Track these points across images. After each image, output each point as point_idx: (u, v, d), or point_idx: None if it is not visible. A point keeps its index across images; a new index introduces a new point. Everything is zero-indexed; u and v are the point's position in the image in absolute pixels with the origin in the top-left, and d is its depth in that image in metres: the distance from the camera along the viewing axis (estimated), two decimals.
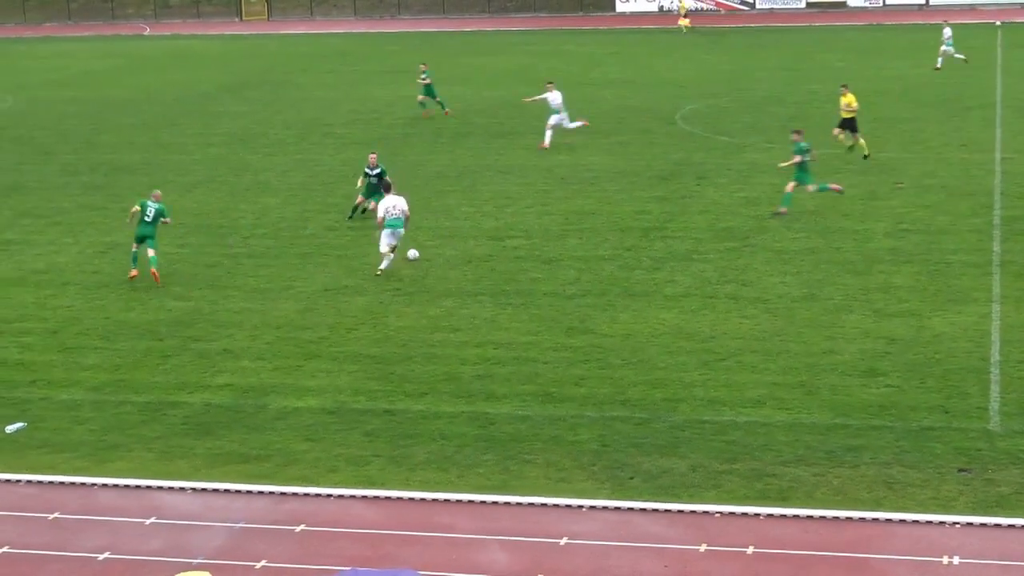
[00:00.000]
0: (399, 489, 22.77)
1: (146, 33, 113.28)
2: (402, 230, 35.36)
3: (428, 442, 24.62)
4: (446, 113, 60.36)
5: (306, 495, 22.76)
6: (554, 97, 52.55)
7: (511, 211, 41.77)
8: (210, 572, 16.16)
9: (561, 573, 19.90)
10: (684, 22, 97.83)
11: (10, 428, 25.81)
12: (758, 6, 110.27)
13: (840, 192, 41.11)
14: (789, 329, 30.01)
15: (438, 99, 61.00)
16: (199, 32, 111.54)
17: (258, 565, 20.38)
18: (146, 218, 35.40)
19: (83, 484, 23.46)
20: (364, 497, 22.58)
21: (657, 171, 47.09)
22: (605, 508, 21.85)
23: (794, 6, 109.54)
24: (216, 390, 27.55)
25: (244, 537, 21.35)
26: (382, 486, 22.92)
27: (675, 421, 25.14)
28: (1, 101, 70.45)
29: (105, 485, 23.39)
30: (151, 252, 35.06)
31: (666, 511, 21.67)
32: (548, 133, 51.95)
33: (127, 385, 27.99)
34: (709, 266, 35.04)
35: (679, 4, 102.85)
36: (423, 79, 60.91)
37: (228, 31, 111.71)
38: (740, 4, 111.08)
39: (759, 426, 24.76)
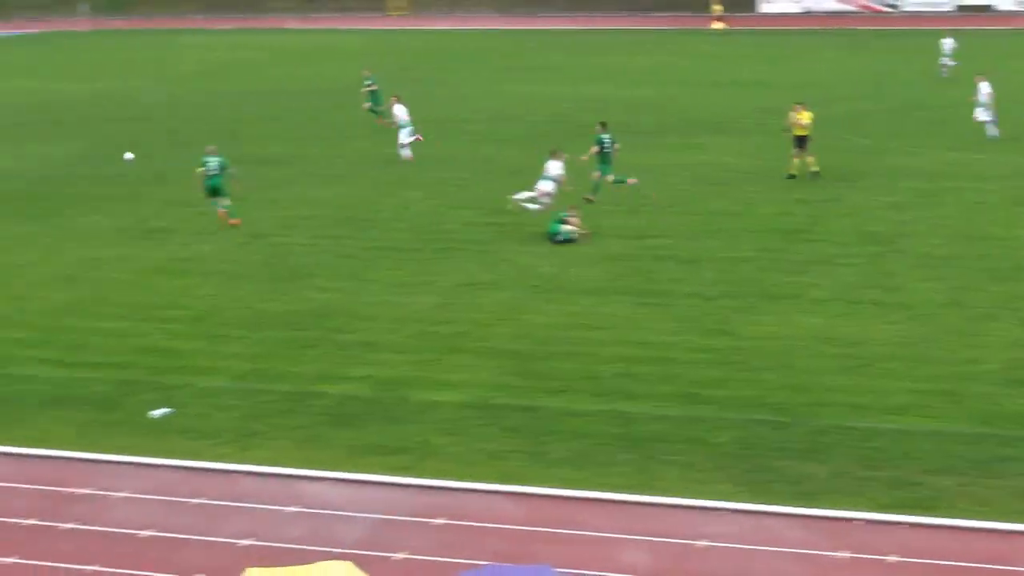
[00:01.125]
0: (537, 485, 22.77)
1: (291, 27, 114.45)
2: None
3: (567, 439, 24.60)
4: (379, 122, 58.99)
5: (446, 488, 22.83)
6: (399, 111, 52.08)
7: (651, 210, 41.60)
8: (351, 562, 16.27)
9: (699, 575, 19.83)
10: (718, 25, 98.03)
11: (156, 413, 26.19)
12: (904, 9, 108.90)
13: (635, 184, 43.11)
14: (934, 336, 29.59)
15: (381, 108, 59.39)
16: (343, 27, 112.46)
17: (398, 556, 20.50)
18: (211, 172, 40.11)
19: (226, 471, 23.73)
20: (503, 492, 22.60)
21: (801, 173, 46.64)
22: (744, 511, 21.69)
23: (942, 9, 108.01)
24: (356, 382, 27.73)
25: (384, 528, 21.48)
26: (521, 482, 22.92)
27: (817, 426, 24.89)
28: (154, 94, 71.40)
29: (248, 472, 23.64)
30: (226, 202, 38.75)
31: (806, 516, 21.45)
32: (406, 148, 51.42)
33: (269, 374, 28.28)
34: (853, 270, 34.66)
35: (712, 7, 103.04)
36: (368, 86, 60.25)
37: (371, 26, 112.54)
38: (885, 7, 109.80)
39: (902, 433, 24.44)
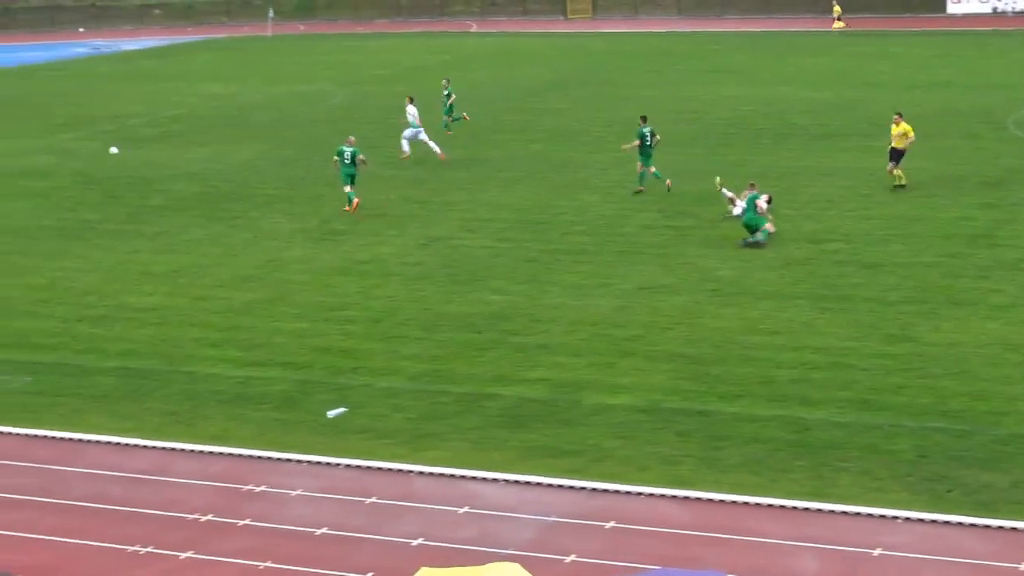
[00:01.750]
0: (710, 491, 22.60)
1: (472, 30, 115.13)
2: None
3: (740, 445, 24.38)
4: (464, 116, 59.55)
5: (617, 492, 22.76)
6: (411, 111, 52.93)
7: (832, 214, 41.11)
8: (520, 564, 16.28)
9: None
10: (838, 24, 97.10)
11: (332, 413, 26.48)
12: None
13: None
14: None
15: (452, 117, 59.85)
16: (524, 30, 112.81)
17: (567, 559, 20.48)
18: (346, 161, 43.00)
19: (400, 471, 23.91)
20: (674, 497, 22.48)
21: (985, 177, 45.72)
22: (921, 520, 21.31)
23: None
24: (531, 384, 27.77)
25: (554, 531, 21.48)
26: (693, 487, 22.78)
27: (998, 435, 24.35)
28: (337, 97, 72.24)
29: (421, 472, 23.79)
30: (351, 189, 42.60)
31: (985, 527, 21.00)
32: (404, 143, 52.68)
33: (445, 375, 28.44)
34: None
35: (833, 7, 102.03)
36: (448, 97, 60.08)
37: (553, 29, 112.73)
38: None
39: None
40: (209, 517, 22.20)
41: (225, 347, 30.69)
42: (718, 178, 41.05)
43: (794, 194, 43.87)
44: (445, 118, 59.78)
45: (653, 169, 44.97)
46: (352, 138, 44.74)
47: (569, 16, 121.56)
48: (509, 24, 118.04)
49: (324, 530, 21.65)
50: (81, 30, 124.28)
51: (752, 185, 38.81)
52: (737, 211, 40.18)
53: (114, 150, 56.73)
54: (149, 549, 21.11)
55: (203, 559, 20.80)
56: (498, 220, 42.03)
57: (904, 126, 43.88)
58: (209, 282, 36.02)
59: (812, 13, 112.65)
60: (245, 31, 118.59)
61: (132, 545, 21.25)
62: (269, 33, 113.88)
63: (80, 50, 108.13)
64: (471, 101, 69.25)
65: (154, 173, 51.87)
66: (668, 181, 44.71)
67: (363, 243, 39.72)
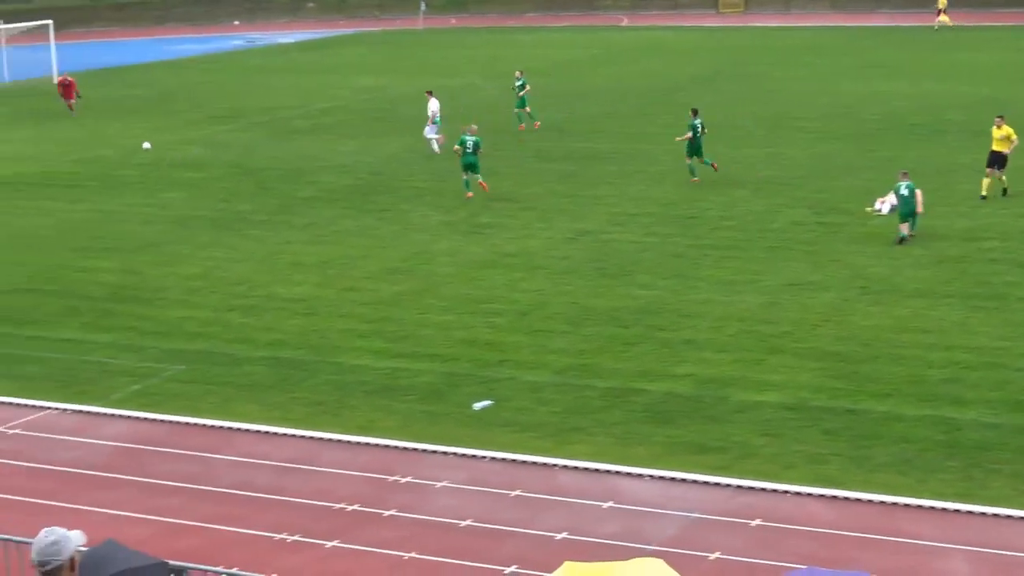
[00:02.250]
0: (857, 490, 22.33)
1: (623, 24, 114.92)
2: None
3: (889, 444, 24.06)
4: (536, 125, 59.40)
5: (762, 490, 22.57)
6: (433, 105, 53.77)
7: (986, 211, 40.46)
8: (664, 560, 16.19)
9: None
10: (943, 18, 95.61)
11: (478, 405, 26.57)
12: None
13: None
14: None
15: (527, 109, 60.01)
16: (675, 24, 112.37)
17: (712, 556, 20.37)
18: (468, 150, 43.94)
19: (545, 464, 23.91)
20: (821, 496, 22.24)
21: None
22: None
23: None
24: (677, 379, 27.64)
25: (699, 527, 21.37)
26: (840, 486, 22.53)
27: None
28: (487, 91, 72.47)
29: (566, 466, 23.78)
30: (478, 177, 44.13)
31: None
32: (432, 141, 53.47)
33: (591, 370, 28.40)
34: None
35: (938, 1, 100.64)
36: (521, 87, 60.13)
37: (704, 23, 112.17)
38: None
39: None
40: (356, 507, 22.38)
41: (372, 338, 30.91)
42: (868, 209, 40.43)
43: (948, 191, 43.20)
44: (518, 110, 60.27)
45: (704, 159, 46.81)
46: (474, 126, 45.88)
47: (720, 10, 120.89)
48: (660, 18, 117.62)
49: (469, 522, 21.72)
50: (236, 23, 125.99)
51: (904, 174, 38.24)
52: (886, 209, 39.71)
53: (147, 145, 57.48)
54: (297, 537, 21.33)
55: (350, 548, 20.98)
56: (645, 215, 41.91)
57: (1007, 129, 42.45)
58: (357, 274, 36.31)
59: (970, 7, 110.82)
60: (397, 25, 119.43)
61: (280, 533, 21.49)
62: (421, 27, 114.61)
63: (235, 43, 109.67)
64: (620, 95, 69.18)
65: (305, 165, 52.43)
66: (714, 164, 46.72)
67: (510, 236, 39.81)
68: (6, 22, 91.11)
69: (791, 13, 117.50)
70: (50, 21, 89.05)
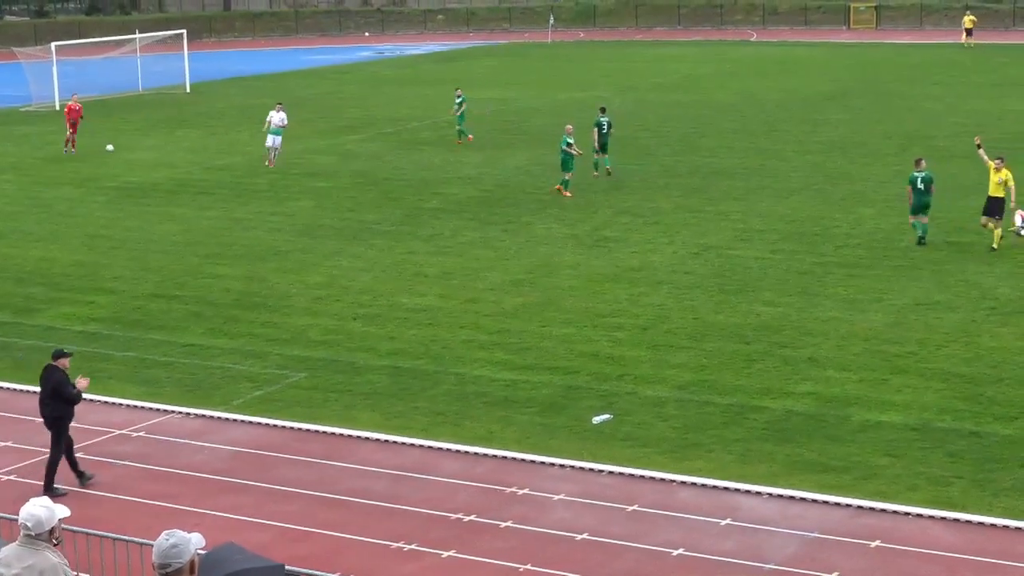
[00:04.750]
0: (981, 514, 21.98)
1: (753, 39, 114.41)
2: None
3: (1015, 468, 23.65)
4: (468, 139, 60.20)
5: (883, 511, 22.28)
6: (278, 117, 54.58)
7: None
8: None
9: None
10: (968, 40, 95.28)
11: (597, 419, 26.49)
12: None
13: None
14: None
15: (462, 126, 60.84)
16: (806, 39, 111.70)
17: None
18: (920, 187, 39.17)
19: (663, 480, 23.78)
20: (944, 519, 21.91)
21: None
22: None
23: None
24: (799, 397, 27.39)
25: (817, 547, 21.13)
26: (963, 509, 22.18)
27: None
28: (617, 105, 72.38)
29: (684, 482, 23.64)
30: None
31: None
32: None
33: (711, 386, 28.23)
34: None
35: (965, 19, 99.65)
36: (459, 105, 60.77)
37: (835, 39, 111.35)
38: None
39: None
40: (472, 517, 22.40)
41: (493, 350, 30.95)
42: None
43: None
44: (460, 127, 61.21)
45: (606, 160, 50.80)
46: (569, 127, 49.16)
47: (852, 26, 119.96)
48: (790, 33, 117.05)
49: (584, 535, 21.66)
50: (366, 34, 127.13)
51: (919, 162, 39.56)
52: None
53: (110, 147, 59.42)
54: (413, 546, 21.39)
55: (465, 558, 21.00)
56: (771, 231, 41.63)
57: (1005, 173, 38.73)
58: (480, 285, 36.40)
59: None
60: (526, 37, 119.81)
61: (397, 541, 21.57)
62: (549, 39, 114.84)
63: (365, 54, 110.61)
64: (749, 110, 68.79)
65: (431, 176, 52.73)
66: (608, 168, 50.89)
67: (634, 250, 39.71)
68: (141, 31, 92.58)
69: (924, 29, 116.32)
70: (183, 31, 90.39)
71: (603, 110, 52.64)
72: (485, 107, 69.81)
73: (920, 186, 38.74)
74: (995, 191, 38.66)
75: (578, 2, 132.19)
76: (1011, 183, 38.68)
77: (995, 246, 38.11)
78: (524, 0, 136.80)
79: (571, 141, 48.07)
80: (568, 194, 47.36)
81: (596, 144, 51.18)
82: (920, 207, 38.99)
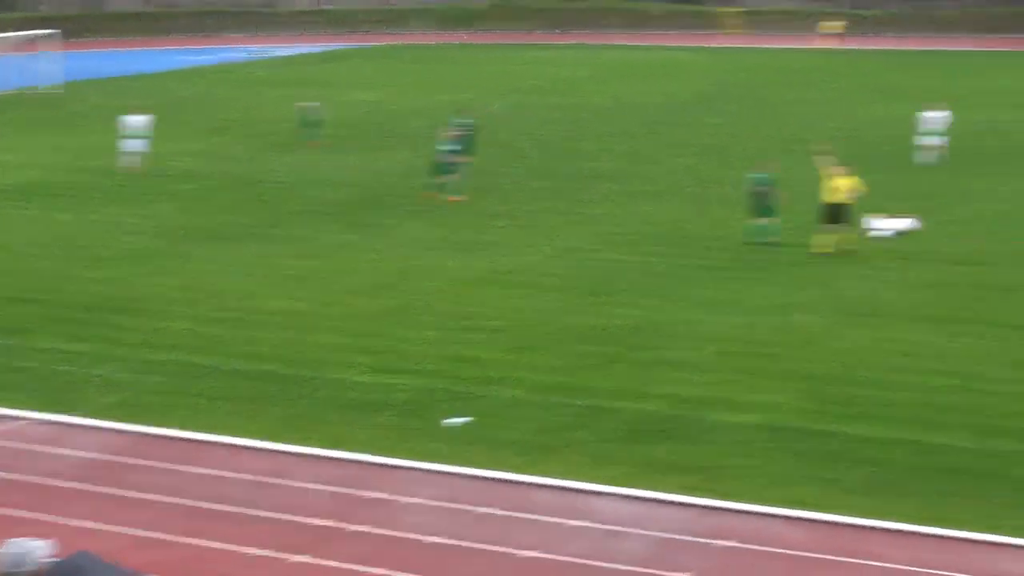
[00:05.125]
0: (829, 512, 22.30)
1: (629, 44, 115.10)
2: None
3: (862, 467, 24.02)
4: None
5: (735, 511, 22.53)
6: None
7: (974, 236, 40.55)
8: None
9: None
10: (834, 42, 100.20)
11: (454, 421, 26.53)
12: None
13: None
14: None
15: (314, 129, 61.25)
16: (678, 44, 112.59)
17: None
18: (760, 190, 40.50)
19: (518, 482, 23.85)
20: (793, 517, 22.21)
21: None
22: None
23: None
24: (654, 399, 27.60)
25: (670, 547, 21.31)
26: (813, 508, 22.48)
27: None
28: (490, 108, 72.50)
29: (539, 485, 23.72)
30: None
31: None
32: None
33: (568, 388, 28.34)
34: None
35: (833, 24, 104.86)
36: (310, 113, 61.33)
37: (707, 43, 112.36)
38: None
39: None
40: (327, 522, 22.30)
41: (353, 353, 30.81)
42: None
43: (934, 214, 43.26)
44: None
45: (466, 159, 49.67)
46: (451, 132, 48.52)
47: (725, 30, 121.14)
48: (663, 38, 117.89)
49: (437, 538, 21.62)
50: (241, 35, 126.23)
51: (759, 168, 40.56)
52: (881, 232, 39.82)
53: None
54: (267, 552, 21.22)
55: (318, 564, 20.85)
56: (637, 234, 41.96)
57: (846, 180, 39.06)
58: (343, 288, 36.29)
59: (973, 33, 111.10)
60: (403, 40, 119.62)
61: (250, 547, 21.36)
62: (427, 42, 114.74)
63: (236, 55, 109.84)
64: (622, 114, 69.24)
65: (304, 178, 52.52)
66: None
67: (500, 253, 39.83)
68: (15, 30, 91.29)
69: (795, 34, 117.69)
70: (58, 30, 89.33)
71: (460, 112, 53.85)
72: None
73: (759, 189, 39.46)
74: (834, 197, 38.92)
75: (454, 5, 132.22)
76: (856, 188, 39.24)
77: (830, 251, 38.70)
78: (400, 1, 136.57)
79: (451, 148, 47.58)
80: (452, 199, 46.87)
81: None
82: (763, 212, 39.60)
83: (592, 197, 47.61)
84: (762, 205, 39.94)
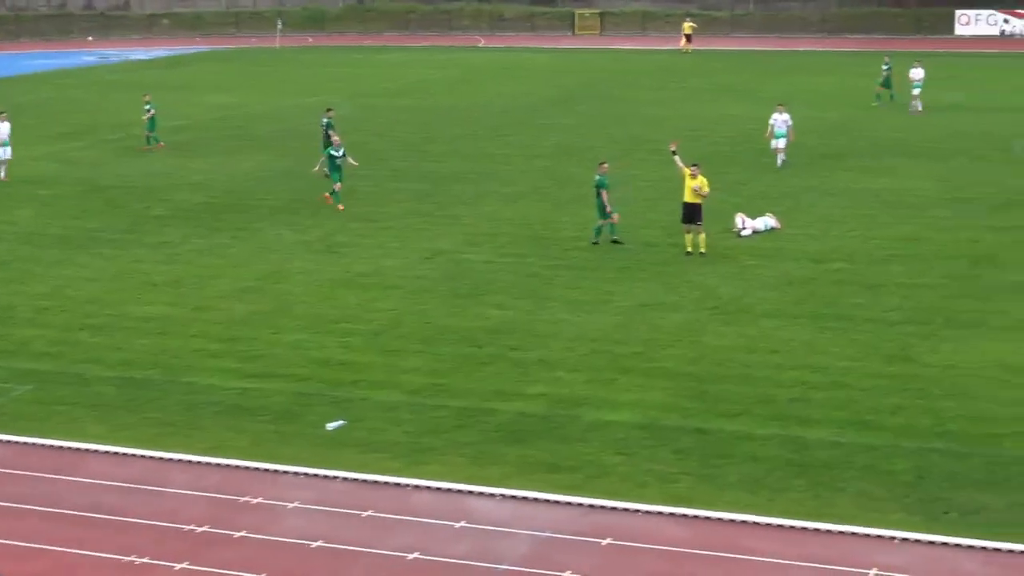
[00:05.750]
0: (708, 509, 22.54)
1: (480, 45, 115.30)
2: None
3: (739, 463, 24.33)
4: (159, 146, 60.35)
5: (614, 509, 22.70)
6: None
7: (834, 234, 41.15)
8: None
9: None
10: (685, 44, 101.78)
11: (331, 425, 26.44)
12: None
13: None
14: None
15: (154, 133, 60.87)
16: (532, 45, 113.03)
17: (563, 575, 20.43)
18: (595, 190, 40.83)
19: (397, 484, 23.84)
20: (672, 514, 22.41)
21: (990, 199, 45.83)
22: (917, 541, 21.24)
23: None
24: (530, 399, 27.73)
25: (550, 547, 21.41)
26: (691, 504, 22.71)
27: (996, 456, 24.32)
28: (344, 110, 72.20)
29: (418, 487, 23.73)
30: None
31: (982, 548, 20.96)
32: None
33: (444, 390, 28.40)
34: None
35: (684, 25, 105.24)
36: (148, 111, 60.57)
37: (561, 45, 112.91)
38: None
39: None
40: (205, 528, 22.13)
41: (224, 358, 30.65)
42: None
43: (797, 213, 43.93)
44: (150, 133, 60.72)
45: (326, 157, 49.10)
46: (336, 139, 47.90)
47: (577, 32, 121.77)
48: (517, 39, 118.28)
49: (319, 543, 21.58)
50: (90, 39, 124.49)
51: (601, 165, 41.17)
52: (747, 232, 40.35)
53: None
54: (145, 559, 21.05)
55: (198, 570, 20.74)
56: (501, 235, 42.05)
57: (700, 179, 38.86)
58: (210, 293, 36.00)
59: (821, 34, 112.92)
60: (253, 42, 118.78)
61: (128, 555, 21.19)
62: (277, 45, 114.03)
63: (88, 59, 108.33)
64: (477, 115, 69.37)
65: (157, 182, 51.96)
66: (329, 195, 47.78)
67: (365, 256, 39.72)
68: None
69: (647, 35, 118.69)
70: None
71: (329, 110, 54.65)
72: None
73: (594, 189, 40.16)
74: (691, 197, 38.85)
75: (306, 7, 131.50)
76: (705, 189, 38.97)
77: (690, 250, 38.91)
78: (252, 4, 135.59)
79: (337, 153, 46.75)
80: (339, 206, 46.08)
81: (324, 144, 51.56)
82: (599, 209, 40.20)
83: (450, 199, 47.65)
84: (600, 206, 40.36)
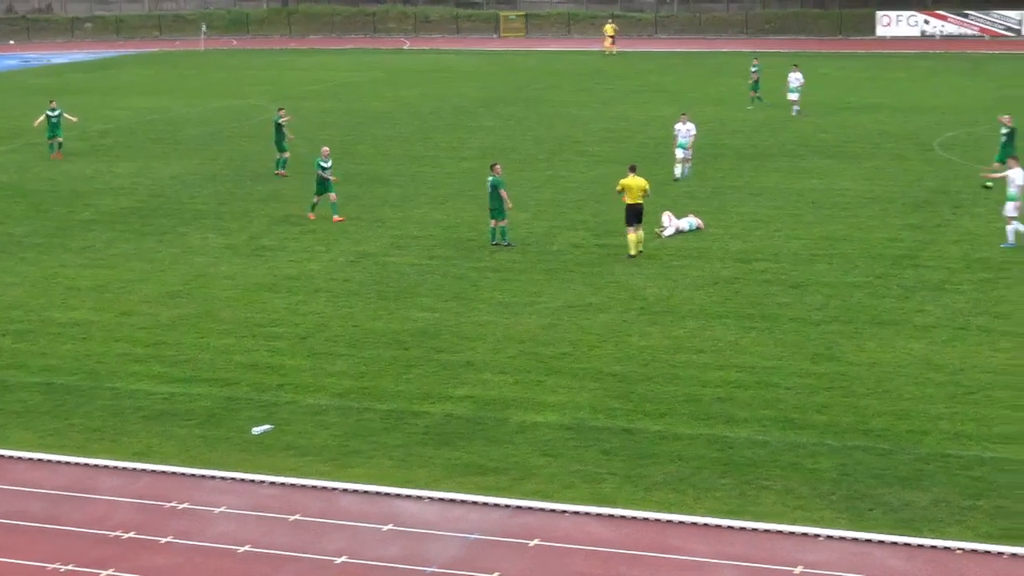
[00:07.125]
0: (634, 509, 22.64)
1: (406, 47, 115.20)
2: None
3: (665, 463, 24.45)
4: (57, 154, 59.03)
5: (541, 510, 22.77)
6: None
7: (759, 234, 41.40)
8: None
9: None
10: (609, 45, 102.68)
11: (257, 430, 26.38)
12: None
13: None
14: None
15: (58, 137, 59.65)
16: (457, 47, 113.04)
17: None
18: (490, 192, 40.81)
19: (325, 488, 23.82)
20: (599, 515, 22.50)
21: (912, 198, 46.25)
22: (843, 539, 21.43)
23: None
24: (457, 401, 27.77)
25: (478, 548, 21.47)
26: (617, 505, 22.81)
27: (919, 453, 24.57)
28: (263, 111, 71.95)
29: (346, 490, 23.72)
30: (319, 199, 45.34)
31: (906, 545, 21.17)
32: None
33: (371, 393, 28.39)
34: (961, 297, 34.25)
35: (606, 27, 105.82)
36: (52, 115, 59.46)
37: (486, 47, 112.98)
38: (1006, 31, 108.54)
39: (1007, 463, 24.05)
40: (131, 534, 22.04)
41: (150, 363, 30.51)
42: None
43: (722, 213, 44.17)
44: (52, 139, 59.44)
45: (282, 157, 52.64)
46: (325, 149, 46.23)
47: (502, 34, 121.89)
48: (442, 42, 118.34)
49: (247, 548, 21.53)
50: (11, 42, 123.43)
51: (493, 167, 41.69)
52: (669, 231, 40.56)
53: None
54: (70, 566, 20.94)
55: None
56: (427, 237, 42.05)
57: (639, 180, 38.70)
58: (135, 297, 35.81)
59: (744, 35, 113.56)
60: (177, 46, 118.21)
61: (54, 562, 21.07)
62: (202, 48, 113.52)
63: (10, 63, 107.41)
64: (403, 118, 69.32)
65: (82, 187, 51.63)
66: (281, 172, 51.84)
67: (291, 259, 39.63)
68: None
69: (571, 37, 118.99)
70: None
71: (281, 110, 55.38)
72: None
73: (489, 189, 40.29)
74: (633, 199, 38.73)
75: (230, 10, 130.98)
76: (645, 189, 38.77)
77: (633, 252, 38.88)
78: (175, 7, 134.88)
79: (325, 165, 45.03)
80: (312, 216, 45.00)
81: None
82: (494, 211, 40.22)
83: (376, 202, 47.60)
84: (495, 207, 40.47)
